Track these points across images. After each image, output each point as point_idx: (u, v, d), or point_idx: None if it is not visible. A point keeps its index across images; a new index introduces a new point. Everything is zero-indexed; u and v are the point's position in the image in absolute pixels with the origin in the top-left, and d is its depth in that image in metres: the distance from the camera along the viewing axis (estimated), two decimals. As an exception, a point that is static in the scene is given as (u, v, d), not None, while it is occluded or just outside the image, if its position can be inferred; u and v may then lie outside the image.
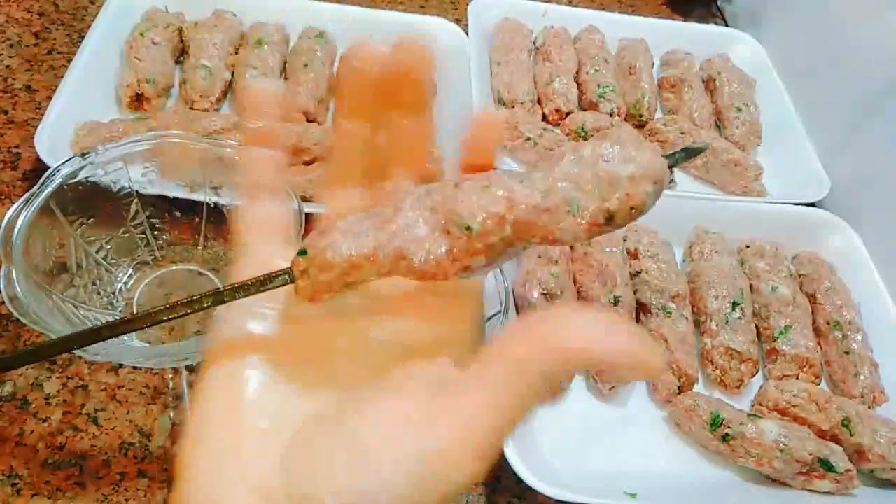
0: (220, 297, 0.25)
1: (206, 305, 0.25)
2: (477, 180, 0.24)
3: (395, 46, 0.26)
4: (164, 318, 0.25)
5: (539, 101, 0.85)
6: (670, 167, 0.25)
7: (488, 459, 0.22)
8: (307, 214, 0.52)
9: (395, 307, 0.27)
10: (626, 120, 0.85)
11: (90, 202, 0.54)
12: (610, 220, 0.24)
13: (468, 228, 0.24)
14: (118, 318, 0.25)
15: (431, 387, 0.23)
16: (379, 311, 0.27)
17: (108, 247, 0.57)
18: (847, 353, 0.65)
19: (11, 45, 0.81)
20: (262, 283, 0.25)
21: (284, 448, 0.23)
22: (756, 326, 0.67)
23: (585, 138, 0.80)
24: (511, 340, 0.22)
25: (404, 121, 0.28)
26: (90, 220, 0.55)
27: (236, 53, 0.80)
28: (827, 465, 0.56)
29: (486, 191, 0.24)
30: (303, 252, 0.24)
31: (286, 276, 0.25)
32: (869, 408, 0.62)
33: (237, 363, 0.26)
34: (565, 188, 0.24)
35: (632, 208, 0.24)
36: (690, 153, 0.27)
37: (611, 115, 0.83)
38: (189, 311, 0.25)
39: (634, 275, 0.68)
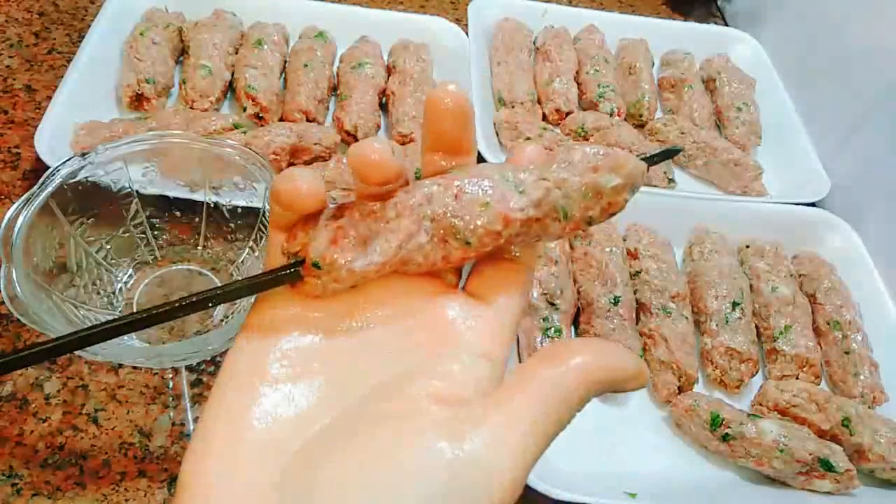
0: (226, 295, 0.25)
1: (209, 304, 0.25)
2: (475, 192, 0.25)
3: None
4: (179, 314, 0.25)
5: (539, 101, 0.85)
6: (648, 167, 0.27)
7: (524, 472, 0.22)
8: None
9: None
10: (626, 120, 0.85)
11: (90, 202, 0.54)
12: (589, 223, 0.27)
13: (467, 243, 0.25)
14: (134, 314, 0.24)
15: (444, 401, 0.23)
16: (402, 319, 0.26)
17: (108, 247, 0.57)
18: (847, 353, 0.65)
19: (11, 45, 0.81)
20: (274, 282, 0.26)
21: (286, 463, 0.22)
22: (756, 326, 0.67)
23: (586, 138, 0.80)
24: (540, 363, 0.24)
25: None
26: (90, 220, 0.55)
27: (236, 53, 0.80)
28: (827, 465, 0.56)
29: (486, 208, 0.25)
30: (316, 264, 0.25)
31: (294, 273, 0.25)
32: (869, 408, 0.62)
33: (268, 341, 0.25)
34: (555, 196, 0.26)
35: (610, 213, 0.27)
36: (669, 154, 0.31)
37: (611, 115, 0.83)
38: (197, 308, 0.25)
39: (634, 275, 0.68)
